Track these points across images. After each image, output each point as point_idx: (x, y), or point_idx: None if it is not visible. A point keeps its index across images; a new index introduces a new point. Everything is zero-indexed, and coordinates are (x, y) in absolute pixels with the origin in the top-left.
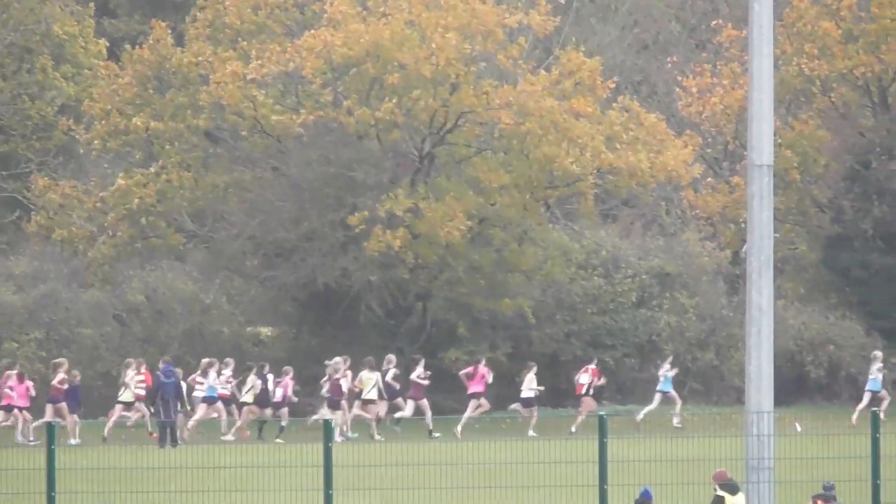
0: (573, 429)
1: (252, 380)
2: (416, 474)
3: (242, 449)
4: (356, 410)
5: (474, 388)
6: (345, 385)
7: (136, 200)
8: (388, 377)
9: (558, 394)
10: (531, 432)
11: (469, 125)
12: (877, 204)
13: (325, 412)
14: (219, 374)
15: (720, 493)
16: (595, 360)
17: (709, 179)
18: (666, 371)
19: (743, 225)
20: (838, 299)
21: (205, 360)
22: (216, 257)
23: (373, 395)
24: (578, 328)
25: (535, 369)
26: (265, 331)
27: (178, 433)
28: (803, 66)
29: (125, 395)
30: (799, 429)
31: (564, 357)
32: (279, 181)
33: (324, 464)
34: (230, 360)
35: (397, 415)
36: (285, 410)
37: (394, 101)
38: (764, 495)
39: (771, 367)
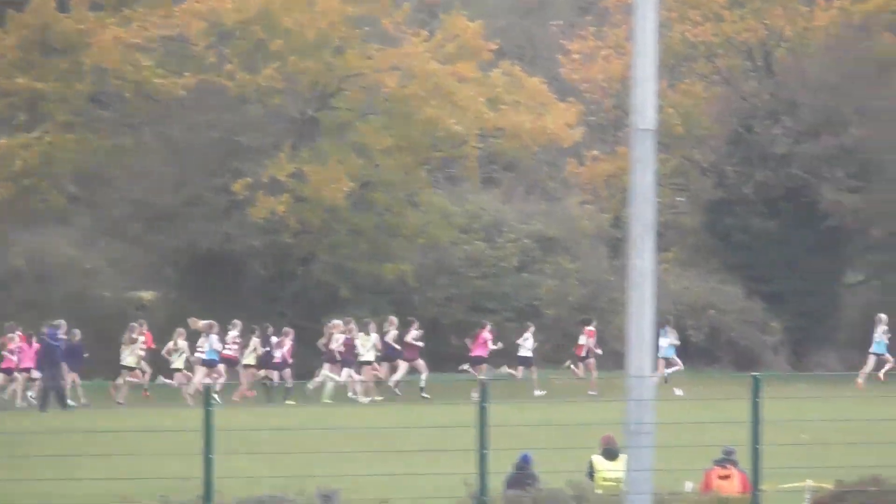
0: (593, 392)
1: (255, 342)
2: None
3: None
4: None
5: (477, 352)
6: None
7: (19, 162)
8: (389, 338)
9: (440, 358)
10: (537, 391)
11: (353, 89)
12: (759, 168)
13: (325, 371)
14: (224, 334)
15: (594, 457)
16: (593, 322)
17: (592, 140)
18: (672, 339)
19: (625, 189)
20: (719, 263)
21: (203, 322)
22: (99, 221)
23: (370, 357)
24: (460, 292)
25: (532, 329)
26: (147, 295)
27: (65, 396)
28: (686, 33)
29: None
30: (678, 393)
31: (446, 321)
32: (162, 146)
33: (204, 428)
34: (238, 322)
35: (395, 377)
36: (288, 371)
37: (276, 65)
38: (644, 459)
39: (651, 332)
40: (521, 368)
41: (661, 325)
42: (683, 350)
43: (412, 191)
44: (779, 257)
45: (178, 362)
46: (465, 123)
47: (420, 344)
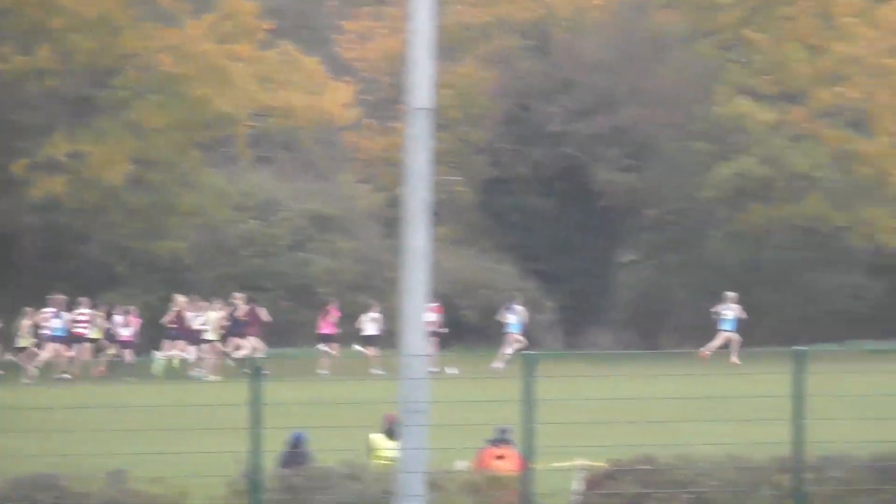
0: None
1: (99, 319)
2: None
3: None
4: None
5: (325, 329)
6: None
7: None
8: (237, 315)
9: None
10: (374, 370)
11: (130, 69)
12: (534, 147)
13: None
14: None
15: (373, 435)
16: (335, 302)
17: (368, 119)
18: (728, 310)
19: (401, 167)
20: (494, 243)
21: (59, 298)
22: None
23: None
24: (235, 271)
25: (377, 308)
26: None
27: None
28: (464, 13)
29: None
30: (452, 371)
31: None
32: None
33: None
34: (84, 299)
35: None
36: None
37: (50, 46)
38: (418, 439)
39: (425, 312)
40: (371, 347)
41: (507, 301)
42: (457, 329)
43: (187, 170)
44: (553, 236)
45: (24, 341)
46: (237, 103)
47: (268, 319)
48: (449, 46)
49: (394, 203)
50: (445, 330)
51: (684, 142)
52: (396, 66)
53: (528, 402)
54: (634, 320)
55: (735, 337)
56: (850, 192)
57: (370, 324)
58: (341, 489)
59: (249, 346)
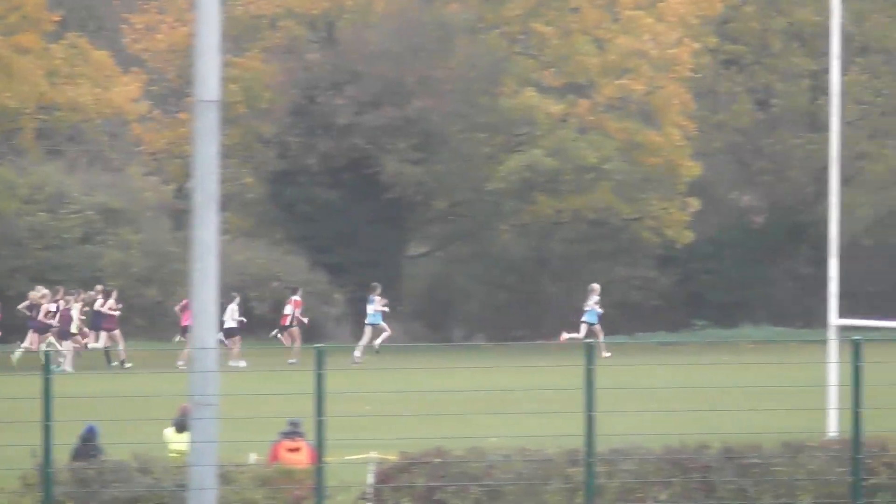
0: (293, 360)
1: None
2: None
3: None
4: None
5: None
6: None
7: None
8: (97, 307)
9: (6, 329)
10: (233, 362)
11: None
12: (322, 139)
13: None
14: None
15: (167, 429)
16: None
17: (155, 111)
18: (593, 303)
19: (189, 159)
20: (284, 234)
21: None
22: None
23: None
24: (24, 263)
25: (238, 300)
26: None
27: None
28: (250, 5)
29: None
30: (241, 364)
31: (10, 292)
32: None
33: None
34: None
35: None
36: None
37: None
38: (208, 432)
39: (215, 304)
40: (237, 339)
41: (369, 291)
42: (248, 321)
43: None
44: (342, 228)
45: None
46: (23, 97)
47: (117, 313)
48: (236, 37)
49: (182, 195)
50: (305, 320)
51: (473, 133)
52: (183, 58)
53: (319, 395)
54: (423, 312)
55: (598, 328)
56: (638, 185)
57: (230, 314)
58: (133, 482)
59: (114, 338)
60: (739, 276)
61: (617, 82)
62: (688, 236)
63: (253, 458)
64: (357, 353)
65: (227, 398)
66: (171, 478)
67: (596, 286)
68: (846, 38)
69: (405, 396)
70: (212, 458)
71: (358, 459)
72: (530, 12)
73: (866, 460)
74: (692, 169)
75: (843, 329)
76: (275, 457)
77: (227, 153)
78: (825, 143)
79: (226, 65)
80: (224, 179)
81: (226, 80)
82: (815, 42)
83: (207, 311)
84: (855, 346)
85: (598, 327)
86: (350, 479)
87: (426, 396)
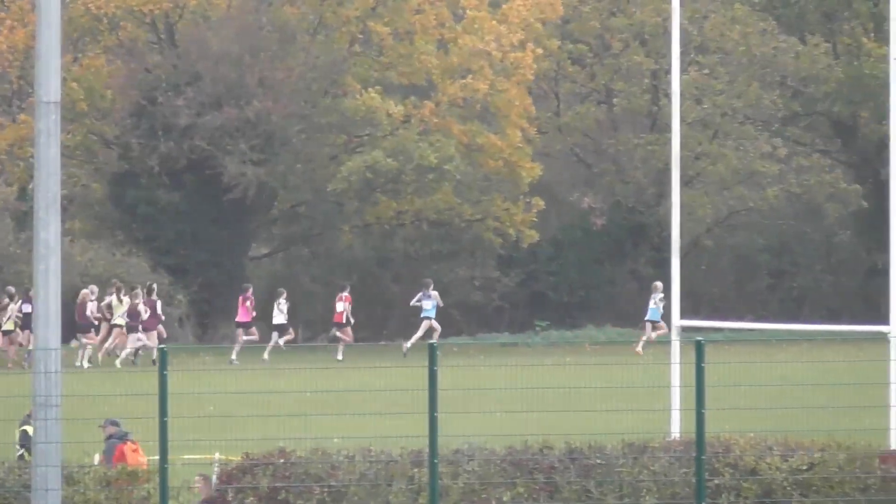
0: (339, 356)
1: (13, 307)
2: None
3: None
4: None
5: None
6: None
7: None
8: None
9: None
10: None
11: None
12: (163, 140)
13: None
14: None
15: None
16: (348, 288)
17: None
18: (657, 300)
19: (31, 161)
20: (125, 236)
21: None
22: None
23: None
24: None
25: (285, 294)
26: None
27: None
28: (90, 5)
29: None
30: (86, 365)
31: None
32: None
33: None
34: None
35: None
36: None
37: None
38: (52, 432)
39: (58, 305)
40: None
41: (424, 286)
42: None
43: None
44: (184, 230)
45: None
46: None
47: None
48: (77, 38)
49: (24, 197)
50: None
51: (314, 134)
52: (24, 59)
53: (163, 396)
54: (267, 313)
55: (436, 325)
56: (480, 186)
57: (279, 312)
58: None
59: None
60: (582, 278)
61: (460, 83)
62: (532, 236)
63: (97, 458)
64: (407, 345)
65: (74, 399)
66: (14, 478)
67: (658, 284)
68: (686, 38)
69: (249, 398)
70: (56, 459)
71: (200, 459)
72: (369, 12)
73: (709, 461)
74: (532, 170)
75: (686, 329)
76: (120, 458)
77: (68, 154)
78: (666, 143)
79: (67, 65)
80: (65, 180)
81: (68, 80)
82: (655, 42)
83: (50, 311)
84: (697, 347)
85: (661, 324)
86: (192, 479)
87: (270, 398)
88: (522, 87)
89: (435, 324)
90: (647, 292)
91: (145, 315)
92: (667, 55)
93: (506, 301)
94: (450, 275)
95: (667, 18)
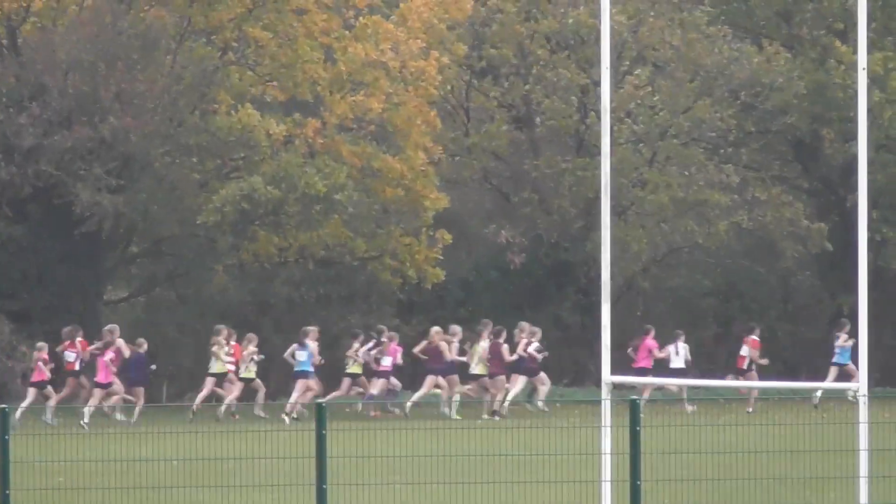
0: (689, 408)
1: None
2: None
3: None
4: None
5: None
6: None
7: None
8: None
9: None
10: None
11: None
12: (3, 165)
13: None
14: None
15: None
16: (756, 330)
17: None
18: (843, 341)
19: None
20: None
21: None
22: None
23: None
24: None
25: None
26: None
27: None
28: None
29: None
30: None
31: None
32: None
33: None
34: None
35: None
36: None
37: None
38: None
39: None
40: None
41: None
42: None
43: None
44: (28, 269)
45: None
46: None
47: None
48: None
49: None
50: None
51: (180, 157)
52: None
53: (4, 465)
54: (126, 367)
55: (312, 384)
56: (376, 218)
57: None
58: None
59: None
60: (496, 325)
61: (351, 98)
62: (437, 276)
63: None
64: (539, 404)
65: None
66: None
67: (844, 320)
68: (620, 47)
69: (106, 466)
70: None
71: None
72: (246, 16)
73: None
74: (438, 200)
75: (618, 387)
76: None
77: None
78: (597, 168)
79: None
80: None
81: None
82: (584, 50)
83: None
84: (632, 407)
85: (851, 367)
86: None
87: (132, 465)
88: (425, 101)
89: (311, 382)
90: (573, 342)
91: None
92: (597, 65)
93: (406, 353)
94: (341, 323)
95: (598, 23)
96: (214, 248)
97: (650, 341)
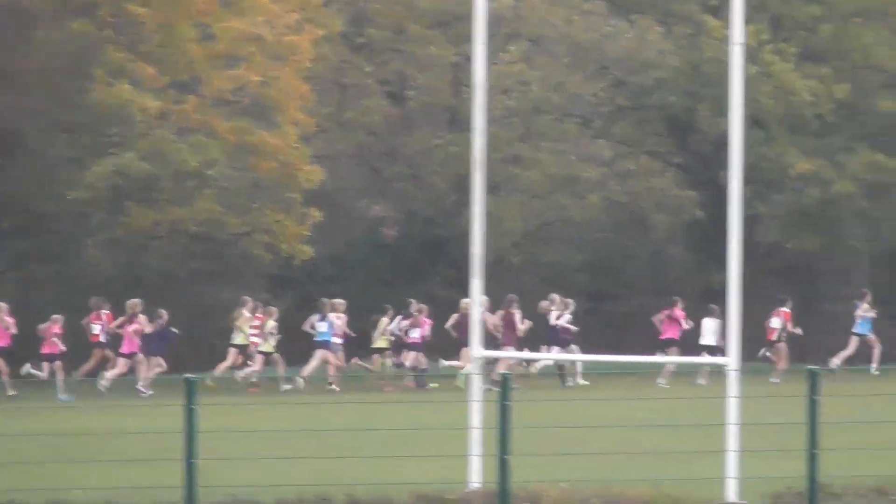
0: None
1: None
2: None
3: None
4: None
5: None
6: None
7: None
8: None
9: None
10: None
11: None
12: None
13: None
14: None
15: None
16: (789, 302)
17: None
18: (865, 311)
19: None
20: None
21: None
22: None
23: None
24: None
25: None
26: None
27: None
28: None
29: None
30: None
31: None
32: None
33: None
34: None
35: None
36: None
37: None
38: None
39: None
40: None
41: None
42: None
43: None
44: None
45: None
46: None
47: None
48: None
49: None
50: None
51: (55, 133)
52: None
53: None
54: None
55: (873, 338)
56: (249, 193)
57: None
58: None
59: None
60: (369, 300)
61: (227, 74)
62: (305, 252)
63: None
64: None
65: None
66: None
67: (865, 291)
68: (494, 21)
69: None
70: None
71: None
72: None
73: None
74: (312, 174)
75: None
76: None
77: None
78: (469, 144)
79: None
80: None
81: None
82: (458, 25)
83: None
84: (503, 381)
85: (871, 337)
86: None
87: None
88: (299, 75)
89: (331, 355)
90: (445, 318)
91: None
92: (472, 41)
93: (280, 328)
94: (214, 296)
95: None
96: (87, 223)
97: (678, 312)
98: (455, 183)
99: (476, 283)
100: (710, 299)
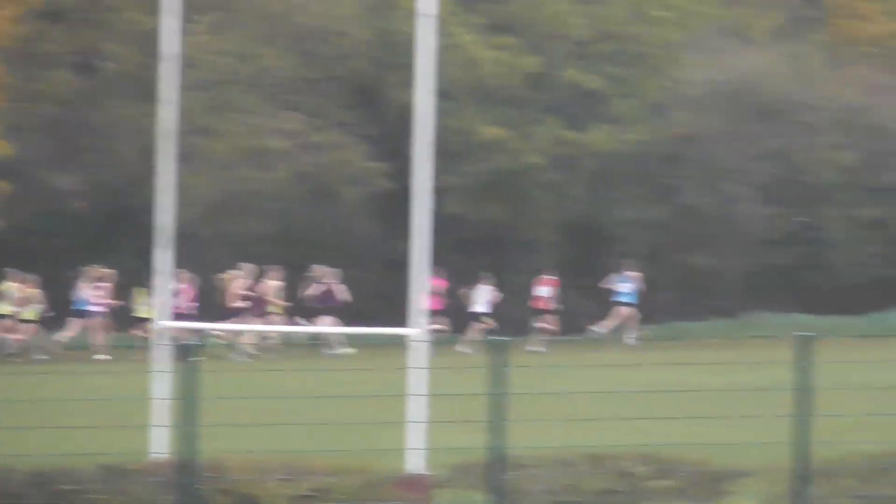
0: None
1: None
2: None
3: None
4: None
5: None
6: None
7: None
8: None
9: None
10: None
11: None
12: None
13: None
14: None
15: None
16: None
17: None
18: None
19: None
20: None
21: None
22: None
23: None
24: None
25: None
26: None
27: None
28: None
29: None
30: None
31: None
32: None
33: None
34: None
35: None
36: None
37: None
38: None
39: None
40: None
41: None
42: None
43: None
44: None
45: None
46: None
47: None
48: None
49: None
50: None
51: None
52: None
53: None
54: None
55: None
56: None
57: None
58: None
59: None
60: (58, 271)
61: None
62: None
63: None
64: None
65: None
66: None
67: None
68: None
69: None
70: None
71: None
72: None
73: (202, 486)
74: (1, 148)
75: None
76: None
77: None
78: (157, 115)
79: None
80: None
81: None
82: None
83: None
84: (186, 350)
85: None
86: None
87: None
88: None
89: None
90: (134, 287)
91: None
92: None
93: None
94: None
95: None
96: None
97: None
98: (144, 154)
99: (161, 255)
100: (394, 270)
